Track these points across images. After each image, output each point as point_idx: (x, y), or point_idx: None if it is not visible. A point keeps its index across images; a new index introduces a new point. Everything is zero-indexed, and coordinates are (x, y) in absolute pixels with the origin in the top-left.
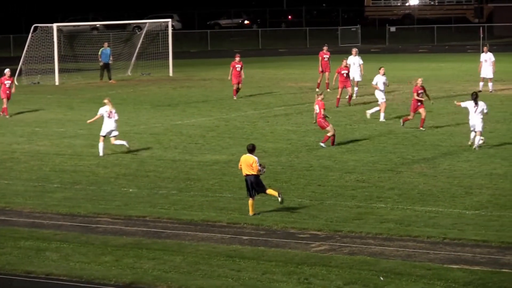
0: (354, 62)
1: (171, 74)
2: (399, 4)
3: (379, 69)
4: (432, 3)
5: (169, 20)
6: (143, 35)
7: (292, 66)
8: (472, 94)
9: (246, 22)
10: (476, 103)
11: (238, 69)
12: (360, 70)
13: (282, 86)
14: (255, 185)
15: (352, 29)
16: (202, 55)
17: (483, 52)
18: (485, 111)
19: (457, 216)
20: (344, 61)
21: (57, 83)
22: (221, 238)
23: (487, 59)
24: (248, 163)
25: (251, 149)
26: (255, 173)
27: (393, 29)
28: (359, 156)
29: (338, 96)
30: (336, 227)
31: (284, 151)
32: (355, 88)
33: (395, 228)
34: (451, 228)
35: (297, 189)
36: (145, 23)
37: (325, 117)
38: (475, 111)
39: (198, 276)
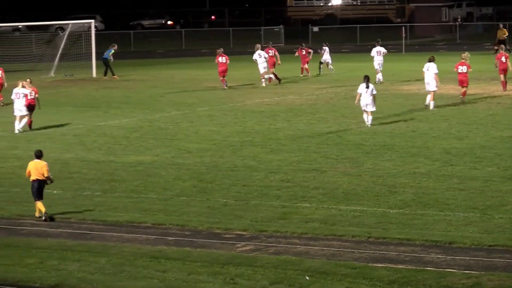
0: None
1: (94, 75)
2: (321, 4)
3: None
4: (355, 3)
5: (92, 21)
6: (66, 36)
7: (215, 67)
8: (364, 77)
9: (169, 22)
10: (367, 86)
11: None
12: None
13: (206, 86)
14: (37, 190)
15: (275, 29)
16: (125, 55)
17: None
18: (374, 92)
19: (381, 215)
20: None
21: None
22: (146, 239)
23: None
24: (38, 168)
25: (40, 155)
26: (43, 178)
27: (316, 29)
28: (283, 156)
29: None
30: (261, 227)
31: (208, 151)
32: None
33: (320, 228)
34: (375, 227)
35: (222, 189)
36: (68, 24)
37: None
38: (366, 92)
39: (123, 277)
